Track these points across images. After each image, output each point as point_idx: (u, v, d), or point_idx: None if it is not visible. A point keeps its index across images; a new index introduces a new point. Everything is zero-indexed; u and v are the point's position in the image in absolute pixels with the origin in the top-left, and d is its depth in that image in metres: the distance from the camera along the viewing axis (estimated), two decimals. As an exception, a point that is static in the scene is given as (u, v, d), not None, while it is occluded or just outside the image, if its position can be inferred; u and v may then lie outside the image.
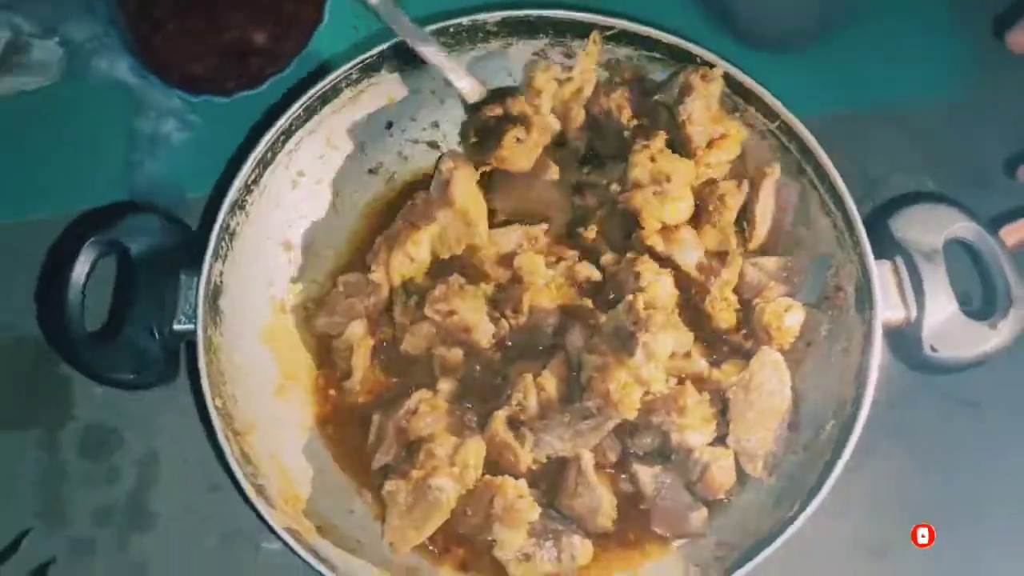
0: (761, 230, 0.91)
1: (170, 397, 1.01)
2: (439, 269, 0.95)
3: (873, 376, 0.79)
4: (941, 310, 0.83)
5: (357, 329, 0.92)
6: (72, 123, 1.19)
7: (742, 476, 0.87)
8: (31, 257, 1.03)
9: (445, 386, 0.91)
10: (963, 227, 0.85)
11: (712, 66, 0.90)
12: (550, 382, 0.87)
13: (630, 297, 0.84)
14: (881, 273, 0.83)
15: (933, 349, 0.82)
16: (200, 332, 0.81)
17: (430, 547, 0.87)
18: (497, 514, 0.83)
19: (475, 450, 0.85)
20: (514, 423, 0.88)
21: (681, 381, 0.87)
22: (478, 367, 0.91)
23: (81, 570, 1.04)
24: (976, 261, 0.87)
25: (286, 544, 0.80)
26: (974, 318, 0.83)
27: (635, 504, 0.87)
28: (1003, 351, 0.83)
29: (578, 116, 0.97)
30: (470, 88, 0.93)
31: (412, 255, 0.93)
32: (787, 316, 0.85)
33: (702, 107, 0.89)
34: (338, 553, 0.83)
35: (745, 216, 0.92)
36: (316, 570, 0.79)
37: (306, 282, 0.97)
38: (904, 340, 0.85)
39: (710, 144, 0.91)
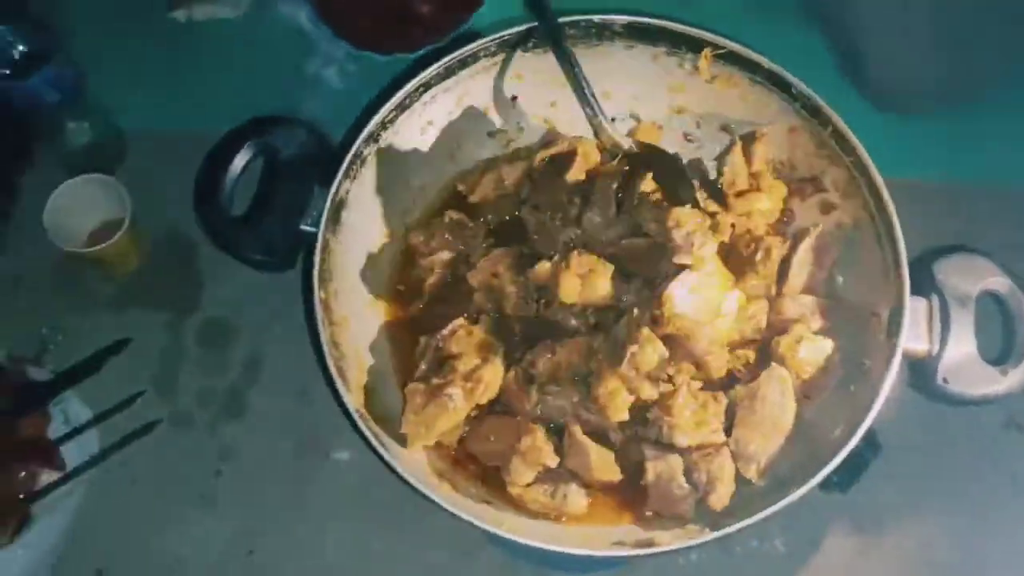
0: (796, 281, 1.00)
1: (285, 310, 1.14)
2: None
3: (884, 392, 0.88)
4: (960, 349, 0.92)
5: (443, 256, 1.04)
6: (250, 53, 1.35)
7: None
8: (196, 162, 1.13)
9: (485, 321, 1.01)
10: (998, 281, 0.94)
11: (806, 101, 0.99)
12: (564, 358, 0.96)
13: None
14: (916, 308, 0.92)
15: (945, 381, 0.91)
16: (320, 236, 0.94)
17: (452, 452, 0.98)
18: (520, 450, 0.93)
19: (491, 372, 0.95)
20: (529, 378, 0.97)
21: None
22: (516, 325, 1.01)
23: (177, 438, 1.18)
24: (1004, 314, 0.95)
25: (353, 425, 0.91)
26: (989, 362, 0.92)
27: (637, 479, 0.96)
28: (1008, 396, 0.92)
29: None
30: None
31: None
32: (800, 347, 0.94)
33: (741, 162, 1.01)
34: (391, 443, 0.94)
35: (782, 266, 1.00)
36: (377, 454, 0.90)
37: (415, 214, 1.10)
38: (922, 370, 0.94)
39: (742, 194, 1.01)
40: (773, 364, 0.94)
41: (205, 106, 1.27)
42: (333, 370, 0.91)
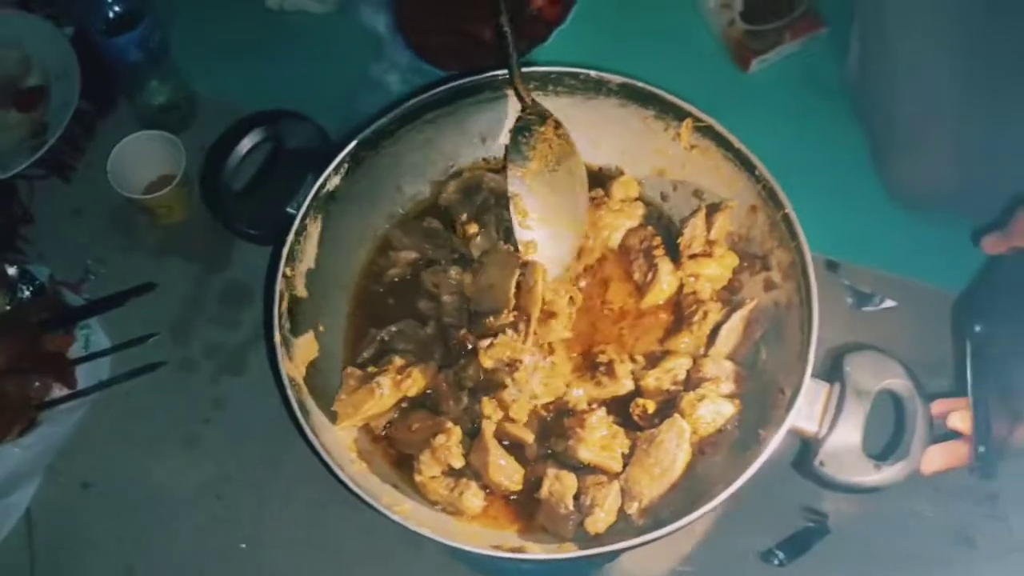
0: (722, 346, 1.09)
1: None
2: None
3: (761, 459, 0.94)
4: (845, 437, 0.97)
5: (409, 256, 1.14)
6: (325, 47, 1.51)
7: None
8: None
9: (429, 328, 1.12)
10: (900, 383, 0.99)
11: (767, 184, 1.06)
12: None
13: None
14: (816, 390, 0.99)
15: (821, 464, 0.97)
16: (299, 219, 1.06)
17: (377, 434, 1.08)
18: (433, 444, 1.02)
19: (422, 370, 1.06)
20: (460, 383, 1.07)
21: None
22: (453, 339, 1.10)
23: (179, 381, 1.32)
24: (898, 414, 1.01)
25: (284, 396, 1.01)
26: (870, 455, 0.97)
27: (534, 492, 1.03)
28: (875, 489, 0.97)
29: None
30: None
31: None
32: (701, 405, 1.02)
33: (702, 227, 1.10)
34: (320, 419, 1.04)
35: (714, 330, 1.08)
36: (295, 421, 1.00)
37: (399, 216, 1.21)
38: (804, 448, 1.01)
39: (695, 257, 1.10)
40: (676, 416, 1.01)
41: (273, 87, 1.41)
42: (277, 338, 1.01)
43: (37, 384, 1.28)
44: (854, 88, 1.35)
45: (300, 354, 1.06)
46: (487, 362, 1.02)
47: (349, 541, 1.23)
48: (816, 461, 0.98)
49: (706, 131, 1.10)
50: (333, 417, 1.04)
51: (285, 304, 1.04)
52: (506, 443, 1.04)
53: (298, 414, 0.98)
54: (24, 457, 1.24)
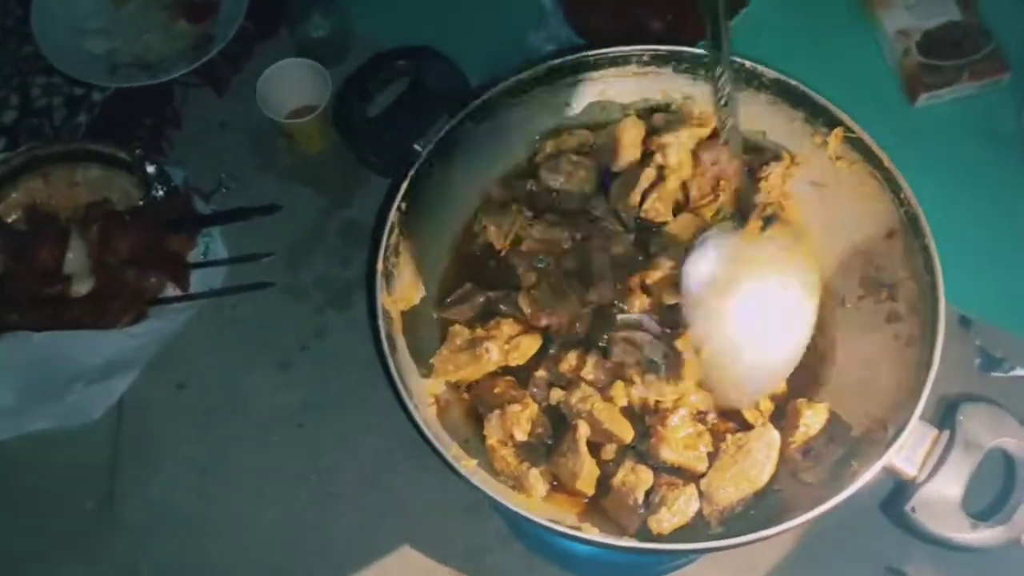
0: None
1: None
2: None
3: (848, 492, 0.88)
4: (945, 488, 0.89)
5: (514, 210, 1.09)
6: (490, 9, 1.51)
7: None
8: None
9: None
10: (1016, 444, 0.91)
11: (910, 210, 0.99)
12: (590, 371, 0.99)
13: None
14: (922, 433, 0.92)
15: (913, 510, 0.89)
16: (421, 158, 1.03)
17: (459, 389, 1.04)
18: (505, 410, 0.98)
19: (529, 343, 1.02)
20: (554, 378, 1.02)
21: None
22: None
23: (286, 304, 1.33)
24: (1008, 475, 0.93)
25: (374, 329, 0.98)
26: (967, 511, 0.90)
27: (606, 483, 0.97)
28: (967, 548, 0.89)
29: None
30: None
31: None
32: (807, 412, 0.96)
33: (779, 175, 1.02)
34: (405, 358, 1.01)
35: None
36: (381, 352, 0.97)
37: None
38: (898, 492, 0.93)
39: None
40: (769, 425, 0.95)
41: (429, 35, 1.36)
42: (379, 267, 0.99)
43: (153, 280, 1.30)
44: (1029, 142, 1.25)
45: (399, 292, 1.03)
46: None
47: (411, 496, 1.23)
48: (908, 506, 0.90)
49: (855, 143, 1.03)
50: (428, 369, 1.01)
51: (394, 238, 1.01)
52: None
53: (384, 346, 0.95)
54: (129, 346, 1.26)
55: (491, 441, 0.99)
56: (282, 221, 1.36)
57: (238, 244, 1.35)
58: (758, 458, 0.95)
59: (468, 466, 0.94)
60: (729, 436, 0.96)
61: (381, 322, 0.96)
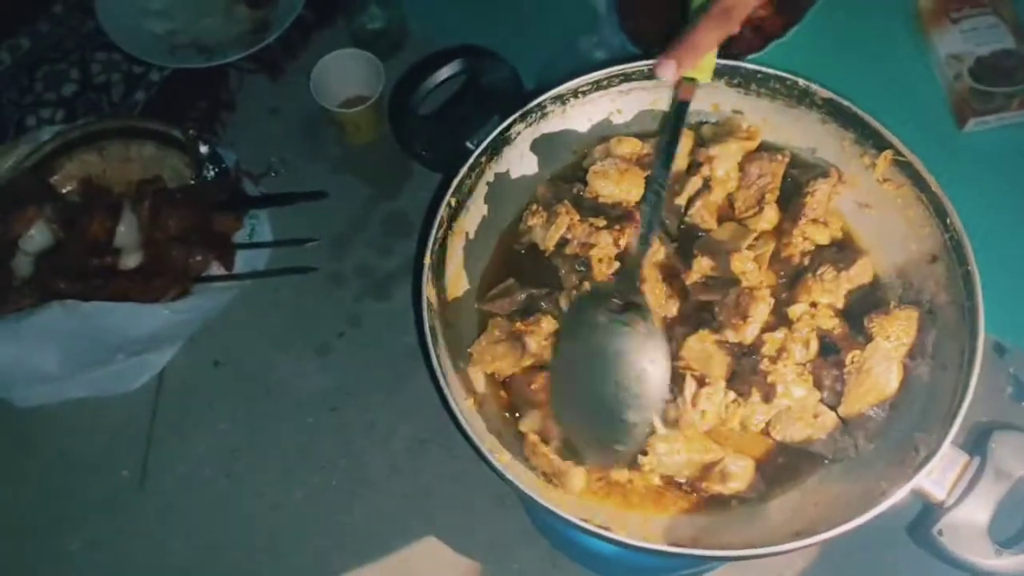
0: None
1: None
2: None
3: (873, 513, 0.88)
4: (973, 514, 0.89)
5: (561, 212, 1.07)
6: (543, 12, 1.52)
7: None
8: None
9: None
10: None
11: (954, 235, 0.99)
12: None
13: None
14: (953, 458, 0.91)
15: (939, 533, 0.89)
16: (474, 156, 1.03)
17: (497, 385, 1.04)
18: (546, 411, 0.98)
19: None
20: None
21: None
22: None
23: (326, 290, 1.35)
24: None
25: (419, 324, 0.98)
26: (993, 538, 0.89)
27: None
28: (991, 574, 0.89)
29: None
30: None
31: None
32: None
33: (825, 191, 1.02)
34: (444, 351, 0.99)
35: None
36: (423, 342, 0.97)
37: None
38: (925, 515, 0.92)
39: (815, 221, 1.02)
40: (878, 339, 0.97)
41: (483, 34, 1.37)
42: (427, 260, 1.00)
43: (199, 258, 1.31)
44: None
45: (443, 284, 1.04)
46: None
47: (438, 486, 1.24)
48: (935, 529, 0.90)
49: (904, 167, 1.03)
50: (466, 359, 1.01)
51: (442, 231, 1.01)
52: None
53: (427, 337, 0.96)
54: (172, 320, 1.27)
55: (531, 438, 0.99)
56: (328, 208, 1.37)
57: (284, 228, 1.36)
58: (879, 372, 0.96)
59: (503, 460, 0.94)
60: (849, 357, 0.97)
61: (425, 313, 0.97)
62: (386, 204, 1.40)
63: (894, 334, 0.97)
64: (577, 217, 1.06)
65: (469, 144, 1.06)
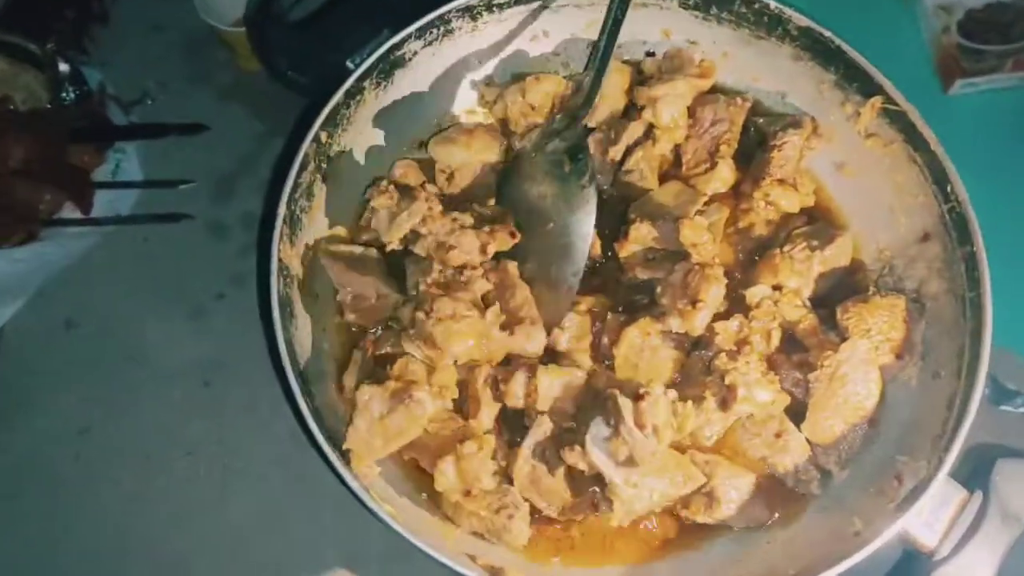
0: None
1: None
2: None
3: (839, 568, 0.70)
4: (974, 566, 0.73)
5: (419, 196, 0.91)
6: None
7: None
8: None
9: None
10: None
11: (956, 207, 0.81)
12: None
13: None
14: (948, 495, 0.73)
15: None
16: (352, 78, 0.86)
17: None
18: (460, 453, 0.80)
19: (450, 374, 0.83)
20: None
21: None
22: None
23: (205, 242, 1.17)
24: None
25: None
26: None
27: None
28: None
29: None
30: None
31: None
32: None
33: (796, 146, 0.83)
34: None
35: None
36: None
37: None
38: (909, 564, 0.76)
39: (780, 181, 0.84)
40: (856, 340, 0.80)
41: None
42: (281, 211, 0.83)
43: (48, 197, 1.13)
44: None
45: (303, 243, 0.86)
46: None
47: (325, 479, 1.00)
48: (925, 579, 0.70)
49: (896, 119, 0.84)
50: (345, 457, 0.81)
51: (307, 175, 0.83)
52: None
53: (276, 312, 0.79)
54: (11, 271, 1.09)
55: (453, 498, 0.80)
56: (211, 144, 1.19)
57: (156, 166, 1.19)
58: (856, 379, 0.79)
59: (391, 512, 0.78)
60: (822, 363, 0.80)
61: (276, 285, 0.80)
62: (279, 142, 1.18)
63: (875, 328, 0.79)
64: (439, 207, 0.87)
65: (350, 63, 0.90)
